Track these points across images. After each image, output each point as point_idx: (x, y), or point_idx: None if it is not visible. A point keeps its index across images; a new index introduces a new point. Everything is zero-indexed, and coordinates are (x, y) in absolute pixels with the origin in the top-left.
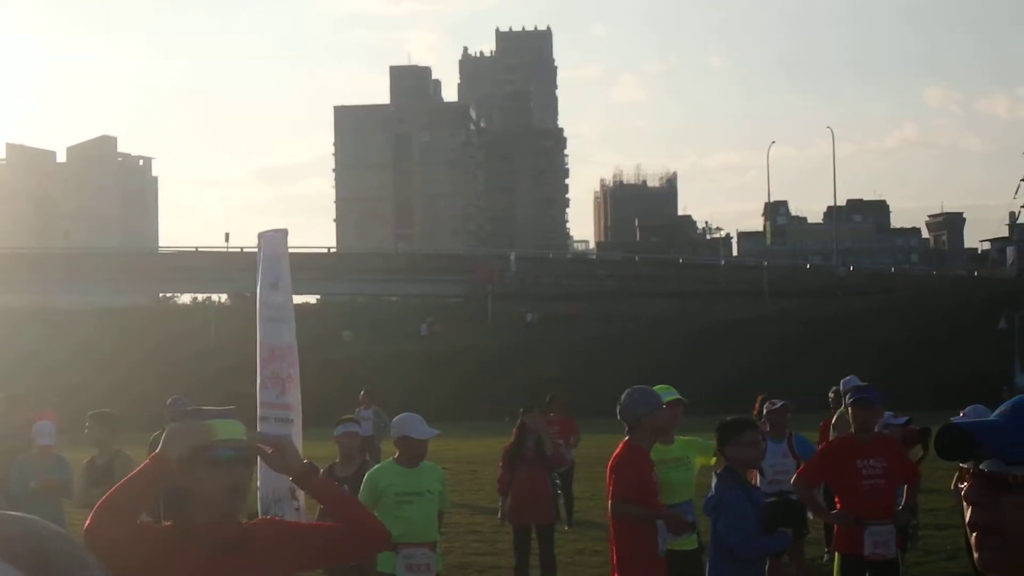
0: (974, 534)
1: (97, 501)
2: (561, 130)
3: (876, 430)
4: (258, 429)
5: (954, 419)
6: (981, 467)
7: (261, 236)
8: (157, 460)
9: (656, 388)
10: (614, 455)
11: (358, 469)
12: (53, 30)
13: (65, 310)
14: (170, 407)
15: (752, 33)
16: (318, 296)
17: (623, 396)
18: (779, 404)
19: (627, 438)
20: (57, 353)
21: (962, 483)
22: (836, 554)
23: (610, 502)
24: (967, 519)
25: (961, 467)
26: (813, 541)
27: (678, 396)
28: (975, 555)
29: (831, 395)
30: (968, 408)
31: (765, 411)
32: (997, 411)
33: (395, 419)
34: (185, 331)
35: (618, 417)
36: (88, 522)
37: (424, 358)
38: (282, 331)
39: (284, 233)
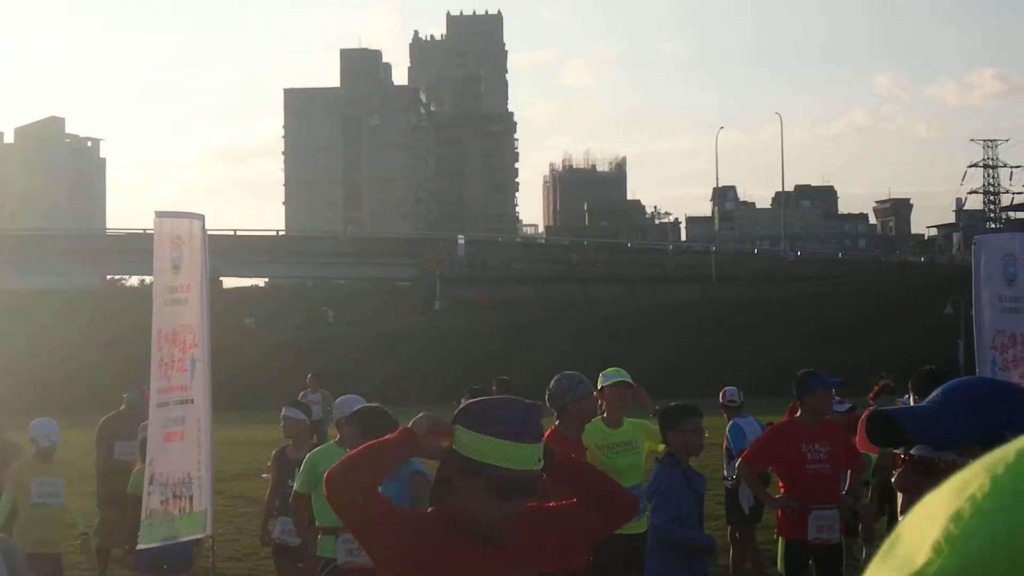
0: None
1: None
2: (511, 114)
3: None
4: (154, 415)
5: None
6: (912, 452)
7: (160, 217)
8: (405, 434)
9: (607, 371)
10: None
11: (309, 452)
12: None
13: (12, 292)
14: (127, 401)
15: (703, 18)
16: (267, 279)
17: (552, 382)
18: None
19: (554, 425)
20: (8, 337)
21: (895, 469)
22: (780, 538)
23: None
24: (899, 505)
25: (894, 453)
26: (764, 526)
27: (625, 378)
28: None
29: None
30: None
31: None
32: (928, 397)
33: (338, 400)
34: (136, 314)
35: (546, 403)
36: (327, 473)
37: (369, 340)
38: (177, 313)
39: (191, 216)
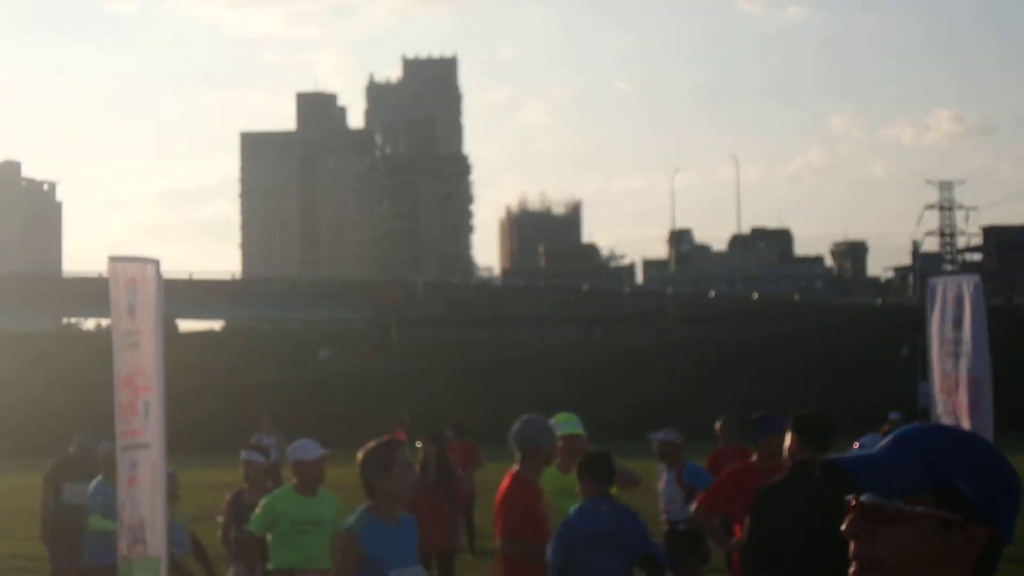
0: (855, 567)
1: None
2: (466, 156)
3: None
4: (120, 459)
5: (856, 452)
6: (862, 499)
7: (113, 261)
8: None
9: (558, 417)
10: (502, 490)
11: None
12: None
13: None
14: (78, 443)
15: (659, 58)
16: (223, 322)
17: (516, 423)
18: (668, 435)
19: (514, 469)
20: None
21: (847, 516)
22: None
23: (500, 539)
24: (850, 552)
25: (846, 499)
26: (717, 569)
27: (577, 429)
28: None
29: (718, 425)
30: (866, 437)
31: (656, 444)
32: (878, 444)
33: (293, 444)
34: (92, 358)
35: (510, 444)
36: None
37: (325, 384)
38: (133, 357)
39: (146, 261)
